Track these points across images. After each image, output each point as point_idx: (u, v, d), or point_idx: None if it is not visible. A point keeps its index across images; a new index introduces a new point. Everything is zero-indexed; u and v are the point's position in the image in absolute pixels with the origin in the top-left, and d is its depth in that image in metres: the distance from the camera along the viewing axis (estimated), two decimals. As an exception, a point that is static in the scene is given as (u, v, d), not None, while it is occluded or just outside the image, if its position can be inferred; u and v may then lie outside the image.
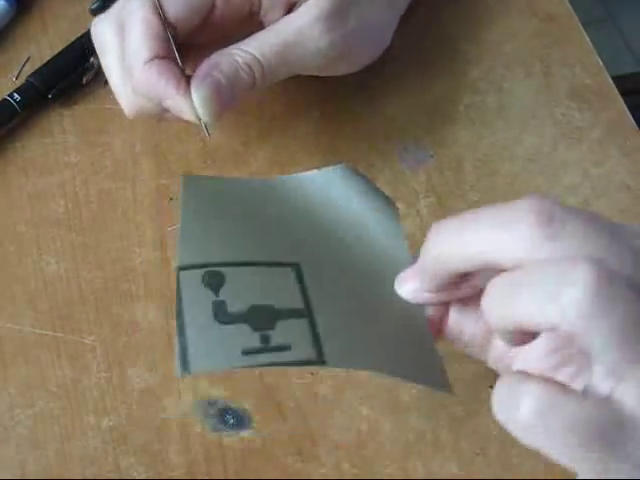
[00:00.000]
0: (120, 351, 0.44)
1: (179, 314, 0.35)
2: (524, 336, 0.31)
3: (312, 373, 0.43)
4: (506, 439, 0.41)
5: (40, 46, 0.55)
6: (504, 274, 0.29)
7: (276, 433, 0.42)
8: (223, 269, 0.36)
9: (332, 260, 0.38)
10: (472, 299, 0.35)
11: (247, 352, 0.34)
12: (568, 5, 0.56)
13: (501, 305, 0.29)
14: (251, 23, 0.45)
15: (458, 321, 0.36)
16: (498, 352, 0.36)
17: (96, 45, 0.45)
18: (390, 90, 0.52)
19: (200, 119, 0.42)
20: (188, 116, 0.42)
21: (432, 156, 0.50)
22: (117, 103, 0.52)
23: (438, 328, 0.36)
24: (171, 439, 0.42)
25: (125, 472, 0.41)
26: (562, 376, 0.29)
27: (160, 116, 0.45)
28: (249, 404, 0.42)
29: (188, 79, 0.42)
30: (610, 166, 0.50)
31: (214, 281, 0.36)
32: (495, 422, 0.41)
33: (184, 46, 0.44)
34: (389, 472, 0.41)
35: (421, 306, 0.36)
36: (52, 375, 0.44)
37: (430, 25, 0.55)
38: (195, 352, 0.34)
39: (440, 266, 0.33)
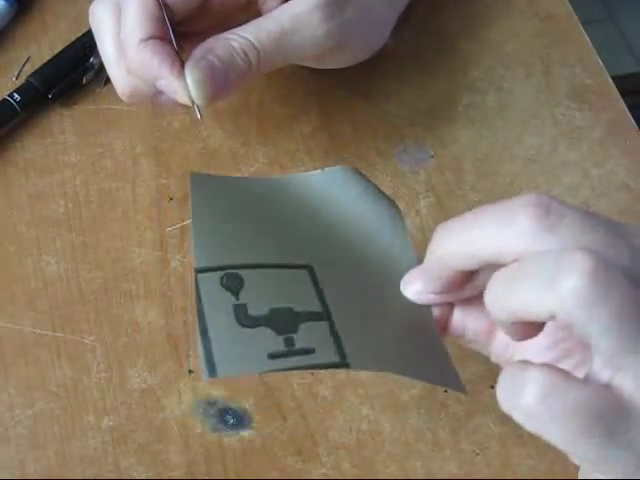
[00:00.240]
0: (120, 351, 0.44)
1: (200, 316, 0.34)
2: (528, 329, 0.31)
3: (312, 373, 0.43)
4: (506, 439, 0.41)
5: (40, 46, 0.55)
6: (504, 268, 0.30)
7: (276, 433, 0.42)
8: (241, 272, 0.36)
9: (342, 261, 0.38)
10: (475, 298, 0.35)
11: (273, 356, 0.34)
12: (568, 5, 0.56)
13: (501, 297, 0.30)
14: (249, 11, 0.45)
15: (461, 318, 0.36)
16: (501, 347, 0.36)
17: (92, 26, 0.45)
18: (390, 90, 0.52)
19: (193, 101, 0.42)
20: (181, 98, 0.42)
21: (432, 156, 0.50)
22: (117, 103, 0.52)
23: (443, 327, 0.36)
24: (171, 439, 0.42)
25: (125, 472, 0.41)
26: (563, 367, 0.29)
27: (154, 98, 0.45)
28: (249, 404, 0.42)
29: (183, 62, 0.42)
30: (610, 166, 0.50)
31: (233, 284, 0.36)
32: (495, 422, 0.42)
33: (181, 32, 0.44)
34: (389, 472, 0.41)
35: (428, 307, 0.36)
36: (52, 375, 0.44)
37: (430, 24, 0.55)
38: (221, 356, 0.33)
39: (444, 266, 0.33)
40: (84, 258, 0.47)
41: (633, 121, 0.51)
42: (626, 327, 0.27)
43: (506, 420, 0.29)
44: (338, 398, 0.42)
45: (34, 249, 0.48)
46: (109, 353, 0.44)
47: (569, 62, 0.53)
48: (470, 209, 0.48)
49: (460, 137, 0.51)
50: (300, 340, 0.35)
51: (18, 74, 0.54)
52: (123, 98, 0.45)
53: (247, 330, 0.35)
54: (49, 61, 0.53)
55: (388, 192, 0.48)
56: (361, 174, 0.42)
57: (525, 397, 0.28)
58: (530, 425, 0.28)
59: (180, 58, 0.42)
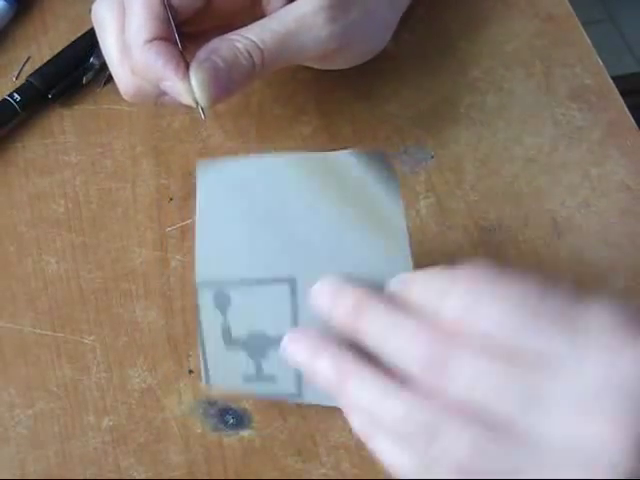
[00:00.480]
0: (120, 351, 0.44)
1: (199, 327, 0.38)
2: None
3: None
4: (506, 439, 0.41)
5: (40, 46, 0.55)
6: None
7: (276, 433, 0.42)
8: (230, 291, 0.38)
9: (331, 267, 0.38)
10: None
11: (247, 379, 0.38)
12: (568, 5, 0.56)
13: None
14: (253, 11, 0.45)
15: None
16: None
17: (96, 26, 0.45)
18: (390, 90, 0.52)
19: (197, 103, 0.42)
20: (185, 99, 0.42)
21: (432, 156, 0.50)
22: (117, 103, 0.52)
23: None
24: (171, 439, 0.42)
25: (125, 472, 0.41)
26: None
27: (157, 99, 0.45)
28: (249, 404, 0.42)
29: (187, 64, 0.42)
30: (610, 166, 0.50)
31: (222, 303, 0.38)
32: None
33: (186, 33, 0.44)
34: (389, 472, 0.41)
35: None
36: (52, 375, 0.44)
37: (430, 25, 0.55)
38: (212, 371, 0.38)
39: None
40: (84, 258, 0.47)
41: (633, 121, 0.51)
42: None
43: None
44: (338, 398, 0.42)
45: (34, 249, 0.48)
46: (109, 353, 0.44)
47: (569, 62, 0.53)
48: (470, 209, 0.48)
49: (460, 137, 0.51)
50: (267, 366, 0.38)
51: (18, 74, 0.54)
52: (126, 98, 0.45)
53: (230, 352, 0.38)
54: (49, 61, 0.53)
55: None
56: (383, 162, 0.40)
57: None
58: None
59: (185, 59, 0.42)
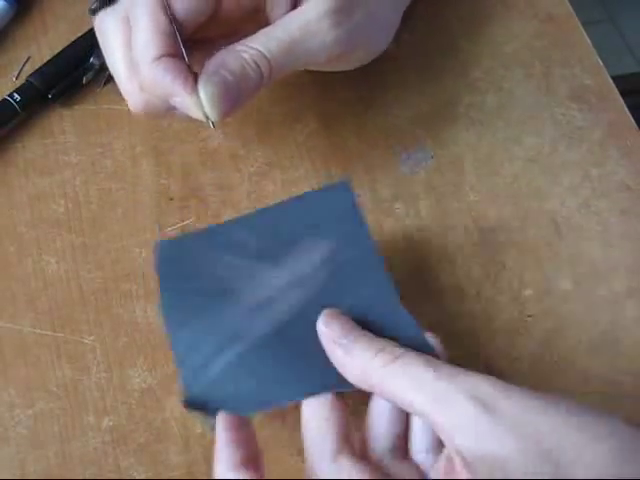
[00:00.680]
0: (120, 351, 0.44)
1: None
2: None
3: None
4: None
5: (40, 46, 0.55)
6: None
7: (276, 433, 0.42)
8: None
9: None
10: None
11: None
12: (568, 5, 0.56)
13: None
14: (257, 18, 0.45)
15: None
16: None
17: (100, 40, 0.45)
18: (390, 90, 0.52)
19: (207, 117, 0.42)
20: (195, 114, 0.42)
21: (432, 157, 0.50)
22: (117, 103, 0.52)
23: None
24: (171, 439, 0.42)
25: (125, 472, 0.41)
26: None
27: (166, 113, 0.45)
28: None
29: (195, 77, 0.41)
30: (610, 166, 0.50)
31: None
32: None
33: (190, 42, 0.44)
34: (389, 472, 0.41)
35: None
36: (52, 375, 0.44)
37: (431, 25, 0.55)
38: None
39: None
40: (84, 258, 0.47)
41: (633, 121, 0.51)
42: None
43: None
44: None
45: (34, 249, 0.48)
46: (109, 353, 0.44)
47: (569, 63, 0.53)
48: (470, 209, 0.48)
49: (460, 137, 0.51)
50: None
51: (18, 74, 0.54)
52: (135, 112, 0.45)
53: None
54: (49, 61, 0.53)
55: (388, 192, 0.49)
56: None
57: None
58: None
59: (193, 74, 0.42)
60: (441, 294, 0.46)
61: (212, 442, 0.41)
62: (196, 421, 0.42)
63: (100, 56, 0.52)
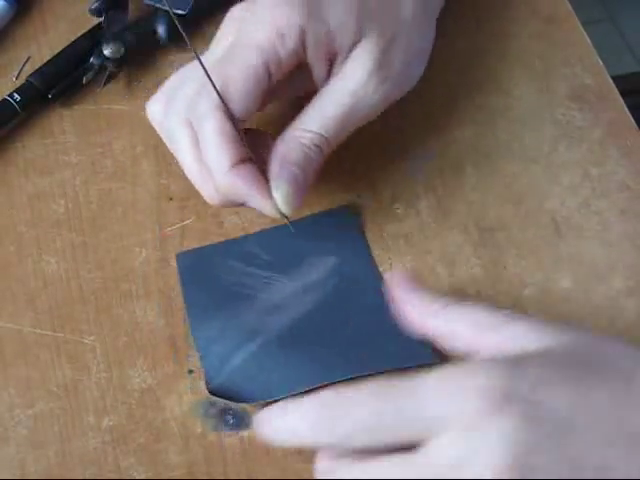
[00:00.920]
0: (120, 351, 0.44)
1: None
2: None
3: (312, 373, 0.43)
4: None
5: (40, 46, 0.55)
6: None
7: (276, 433, 0.42)
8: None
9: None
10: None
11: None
12: (568, 5, 0.56)
13: None
14: (300, 78, 0.45)
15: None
16: None
17: (165, 137, 0.45)
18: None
19: (282, 213, 0.43)
20: (271, 213, 0.43)
21: (432, 156, 0.50)
22: (117, 103, 0.52)
23: None
24: (171, 439, 0.42)
25: (125, 472, 0.41)
26: None
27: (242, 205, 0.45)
28: (249, 404, 0.42)
29: (267, 178, 0.42)
30: (610, 166, 0.50)
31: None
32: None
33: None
34: (389, 472, 0.41)
35: None
36: (52, 375, 0.44)
37: (430, 25, 0.55)
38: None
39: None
40: (84, 258, 0.47)
41: (633, 121, 0.51)
42: None
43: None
44: (338, 398, 0.42)
45: (34, 249, 0.48)
46: (109, 353, 0.44)
47: (569, 62, 0.53)
48: (470, 209, 0.48)
49: (460, 137, 0.51)
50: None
51: (18, 74, 0.54)
52: (211, 204, 0.45)
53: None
54: (49, 61, 0.53)
55: (388, 192, 0.49)
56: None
57: None
58: None
59: (265, 176, 0.42)
60: (441, 294, 0.46)
61: (212, 442, 0.41)
62: (196, 421, 0.42)
63: (100, 56, 0.52)
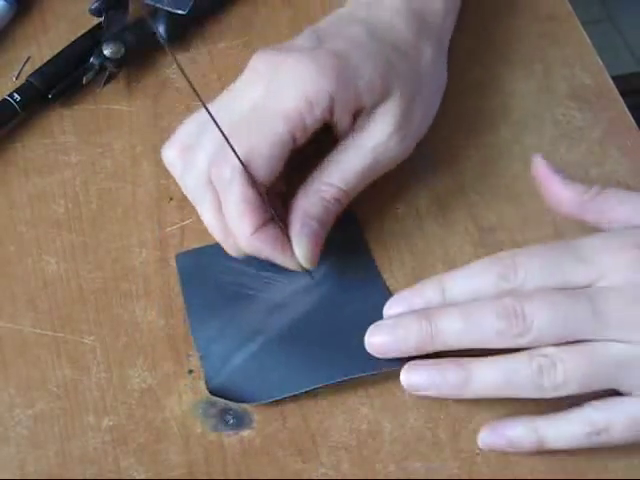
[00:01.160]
0: (120, 351, 0.44)
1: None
2: None
3: (312, 373, 0.43)
4: (506, 439, 0.41)
5: (40, 46, 0.55)
6: None
7: (276, 433, 0.42)
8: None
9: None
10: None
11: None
12: (568, 5, 0.56)
13: None
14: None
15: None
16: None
17: (188, 194, 0.45)
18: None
19: (303, 267, 0.44)
20: (293, 268, 0.44)
21: (432, 157, 0.50)
22: (117, 103, 0.53)
23: None
24: (171, 439, 0.42)
25: (125, 472, 0.41)
26: None
27: None
28: (249, 404, 0.42)
29: (289, 236, 0.43)
30: (610, 166, 0.50)
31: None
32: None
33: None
34: (389, 472, 0.41)
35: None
36: (52, 375, 0.44)
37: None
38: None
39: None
40: (84, 258, 0.47)
41: (633, 121, 0.51)
42: None
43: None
44: (338, 398, 0.42)
45: (34, 249, 0.48)
46: (109, 353, 0.44)
47: (569, 62, 0.53)
48: (470, 209, 0.48)
49: (460, 137, 0.51)
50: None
51: (18, 74, 0.54)
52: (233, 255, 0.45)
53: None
54: (49, 61, 0.53)
55: (388, 193, 0.49)
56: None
57: None
58: None
59: (287, 235, 0.43)
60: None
61: (212, 442, 0.41)
62: (196, 421, 0.42)
63: (100, 56, 0.52)
